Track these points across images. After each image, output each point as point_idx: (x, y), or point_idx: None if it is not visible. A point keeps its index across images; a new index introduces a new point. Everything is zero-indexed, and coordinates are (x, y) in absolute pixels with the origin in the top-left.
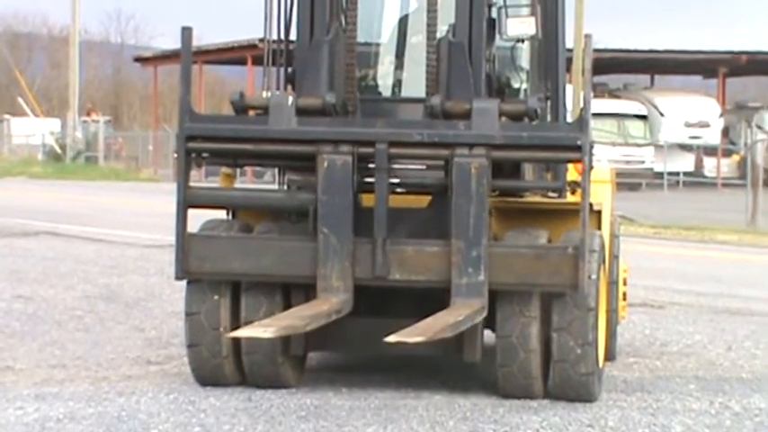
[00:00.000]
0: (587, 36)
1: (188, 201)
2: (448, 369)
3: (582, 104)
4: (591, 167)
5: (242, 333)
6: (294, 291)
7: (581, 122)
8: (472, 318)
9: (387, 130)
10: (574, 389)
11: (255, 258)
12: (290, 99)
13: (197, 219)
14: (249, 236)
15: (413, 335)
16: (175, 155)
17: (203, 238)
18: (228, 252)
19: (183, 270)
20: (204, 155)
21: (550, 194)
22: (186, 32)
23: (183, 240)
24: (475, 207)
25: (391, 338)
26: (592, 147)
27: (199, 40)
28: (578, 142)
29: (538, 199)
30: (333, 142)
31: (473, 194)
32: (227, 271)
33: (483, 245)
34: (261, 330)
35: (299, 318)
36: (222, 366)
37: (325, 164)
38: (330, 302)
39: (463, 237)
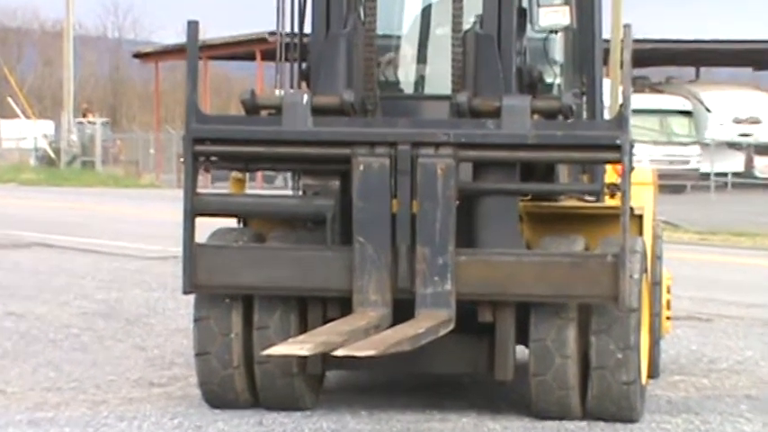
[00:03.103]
0: (626, 26)
1: (196, 209)
2: (477, 389)
3: (621, 100)
4: (631, 169)
5: (277, 351)
6: (310, 299)
7: (620, 120)
8: (435, 330)
9: (409, 131)
10: (614, 401)
11: (270, 270)
12: (306, 97)
13: (205, 228)
14: (264, 246)
15: (364, 348)
16: (182, 159)
17: (213, 248)
18: (241, 264)
19: (192, 283)
20: (213, 159)
21: (587, 198)
22: (192, 26)
23: (191, 251)
24: (441, 211)
25: (339, 352)
26: (632, 146)
27: (203, 34)
28: (617, 141)
29: (574, 203)
30: (361, 144)
31: (438, 198)
32: (238, 284)
33: (450, 252)
34: (297, 348)
35: (337, 334)
36: (233, 378)
37: (361, 167)
38: (368, 317)
39: (429, 243)
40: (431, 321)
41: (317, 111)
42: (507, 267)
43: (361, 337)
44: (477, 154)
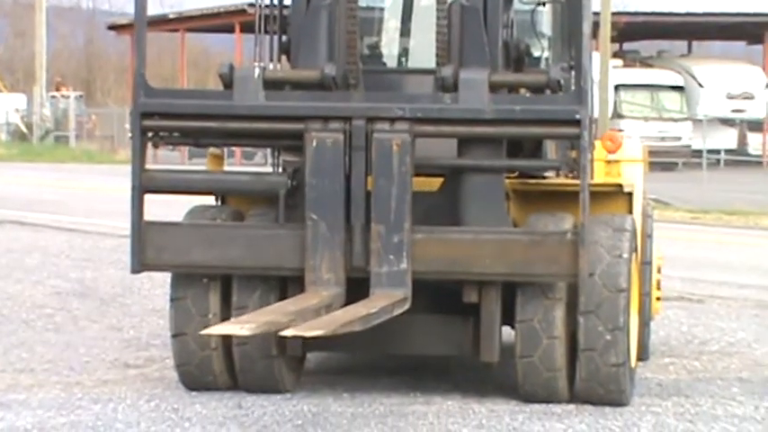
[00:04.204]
0: None
1: (144, 185)
2: (462, 371)
3: (580, 72)
4: (592, 145)
5: (218, 330)
6: (290, 279)
7: (579, 94)
8: (389, 310)
9: (364, 105)
10: (603, 383)
11: (222, 249)
12: (257, 71)
13: (153, 205)
14: (214, 224)
15: (313, 328)
16: (130, 135)
17: (161, 226)
18: (191, 242)
19: (140, 262)
20: (162, 134)
21: (573, 175)
22: None
23: (139, 229)
24: (397, 188)
25: (287, 332)
26: (592, 121)
27: (181, 6)
28: (576, 116)
29: (561, 180)
30: (314, 119)
31: (394, 174)
32: (188, 263)
33: (405, 230)
34: (238, 327)
35: (284, 314)
36: (210, 360)
37: (314, 143)
38: (320, 296)
39: (383, 221)
40: (385, 301)
41: (299, 85)
42: (465, 246)
43: (310, 316)
44: (433, 129)
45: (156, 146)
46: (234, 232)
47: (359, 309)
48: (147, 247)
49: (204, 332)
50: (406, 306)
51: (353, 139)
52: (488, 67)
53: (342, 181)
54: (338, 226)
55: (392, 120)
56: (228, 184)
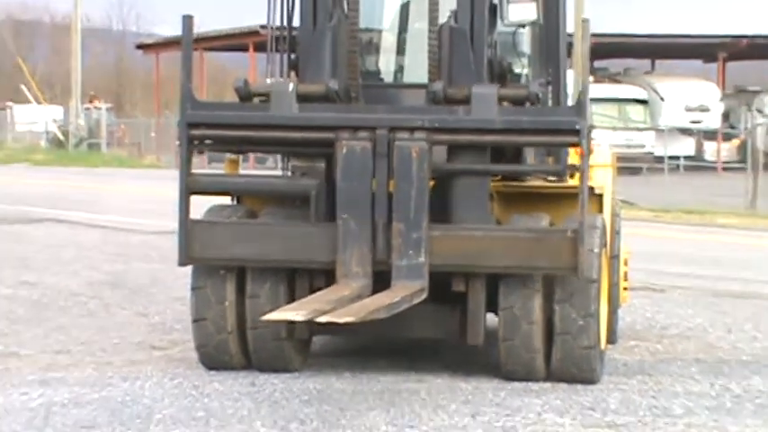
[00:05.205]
0: (585, 20)
1: (190, 188)
2: (451, 352)
3: (581, 89)
4: (589, 151)
5: (274, 316)
6: (298, 271)
7: (579, 106)
8: (410, 299)
9: (387, 116)
10: (576, 364)
11: (260, 244)
12: (291, 86)
13: (200, 205)
14: (254, 222)
15: (345, 315)
16: (178, 142)
17: (206, 224)
18: (232, 238)
19: (187, 256)
20: (207, 142)
21: (550, 179)
22: (187, 20)
23: (186, 227)
24: (415, 190)
25: (323, 318)
26: (590, 131)
27: (199, 27)
28: (577, 126)
29: (539, 183)
30: (344, 128)
31: (413, 178)
32: (230, 257)
33: (423, 227)
34: (293, 314)
35: (325, 302)
36: (227, 342)
37: (344, 150)
38: (351, 287)
39: (404, 220)
40: (405, 291)
41: (304, 98)
42: (477, 241)
43: (344, 305)
44: (449, 138)
45: (200, 152)
46: (271, 230)
47: (383, 298)
48: (193, 242)
49: (265, 318)
50: (424, 296)
51: (378, 147)
52: (476, 82)
53: (368, 184)
54: (365, 224)
55: (412, 129)
56: (264, 186)
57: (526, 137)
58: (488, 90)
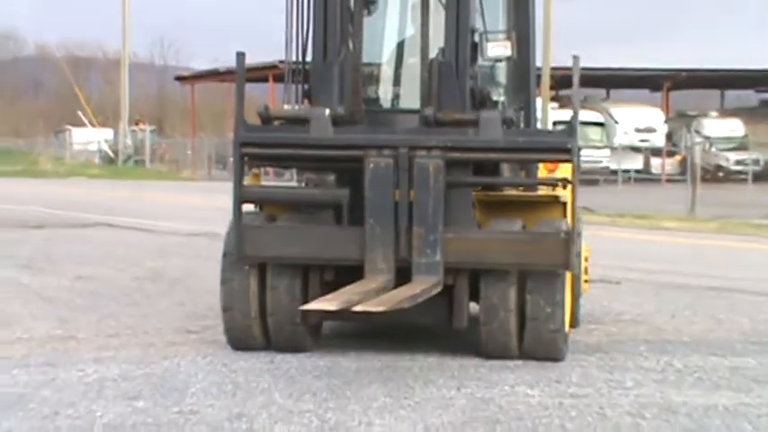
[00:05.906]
0: (575, 57)
1: (243, 197)
2: (440, 335)
3: (572, 114)
4: (579, 167)
5: (312, 306)
6: (311, 268)
7: (570, 129)
8: (428, 291)
9: (408, 137)
10: (544, 345)
11: (301, 245)
12: (327, 111)
13: (208, 211)
14: (296, 225)
15: (376, 305)
16: (231, 159)
17: (257, 228)
18: (279, 239)
19: (242, 254)
20: (257, 158)
21: (522, 189)
22: (240, 57)
23: (241, 230)
24: (432, 200)
25: (358, 307)
26: (579, 149)
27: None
28: (568, 145)
29: (515, 193)
30: (372, 147)
31: (430, 189)
32: (278, 255)
33: (439, 231)
34: (326, 304)
35: (356, 294)
36: (251, 327)
37: (372, 165)
38: (377, 281)
39: (422, 224)
40: (424, 285)
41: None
42: (483, 243)
43: (372, 296)
44: (459, 155)
45: (251, 168)
46: (310, 232)
47: (406, 290)
48: (245, 243)
49: (303, 307)
50: (440, 288)
51: (400, 163)
52: (461, 108)
53: (392, 194)
54: (389, 228)
55: (429, 148)
56: (303, 196)
57: (525, 154)
58: (494, 115)
